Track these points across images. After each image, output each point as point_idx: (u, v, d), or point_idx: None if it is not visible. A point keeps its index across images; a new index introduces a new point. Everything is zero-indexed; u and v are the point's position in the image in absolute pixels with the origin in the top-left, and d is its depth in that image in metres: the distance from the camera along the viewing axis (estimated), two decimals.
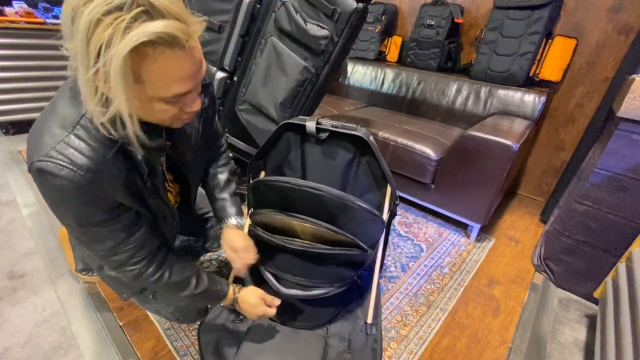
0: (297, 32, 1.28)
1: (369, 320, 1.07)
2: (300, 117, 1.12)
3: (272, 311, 0.91)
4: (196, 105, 0.60)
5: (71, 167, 0.53)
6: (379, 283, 1.23)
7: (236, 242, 0.92)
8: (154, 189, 0.71)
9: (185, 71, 0.51)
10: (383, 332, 1.11)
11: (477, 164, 1.49)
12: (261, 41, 1.39)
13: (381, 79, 2.42)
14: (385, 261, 1.43)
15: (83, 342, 0.98)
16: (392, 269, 1.41)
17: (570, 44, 1.82)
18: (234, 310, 1.06)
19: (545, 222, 1.87)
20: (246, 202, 1.25)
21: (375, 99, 2.48)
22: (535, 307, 1.28)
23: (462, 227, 1.76)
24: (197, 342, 0.99)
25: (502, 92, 1.93)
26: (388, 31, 2.51)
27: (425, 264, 1.45)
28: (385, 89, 2.41)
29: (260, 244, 1.04)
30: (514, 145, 1.38)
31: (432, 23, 2.16)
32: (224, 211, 0.98)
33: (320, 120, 1.09)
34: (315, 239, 0.99)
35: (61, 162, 0.52)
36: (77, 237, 0.65)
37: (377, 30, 2.46)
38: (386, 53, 2.58)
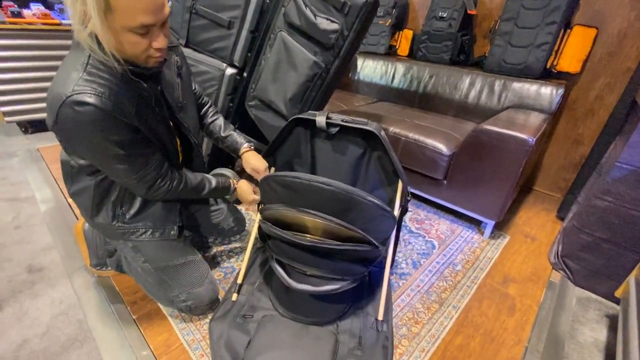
0: (307, 26, 1.27)
1: (380, 317, 1.05)
2: (310, 112, 1.12)
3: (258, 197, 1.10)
4: (161, 41, 0.69)
5: (96, 93, 0.64)
6: (389, 280, 1.21)
7: (258, 164, 1.11)
8: (163, 119, 0.84)
9: (149, 4, 0.61)
10: (394, 329, 1.09)
11: (492, 159, 1.45)
12: (270, 36, 1.38)
13: (392, 73, 2.39)
14: (396, 258, 1.41)
15: (98, 335, 1.00)
16: (403, 265, 1.39)
17: (590, 34, 1.75)
18: (244, 305, 1.07)
19: (562, 219, 1.81)
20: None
21: (386, 94, 2.45)
22: (553, 306, 1.24)
23: (476, 223, 1.72)
24: (208, 336, 1.00)
25: (517, 85, 1.88)
26: (399, 25, 2.47)
27: (437, 261, 1.43)
28: (395, 83, 2.37)
29: (271, 239, 1.04)
30: (530, 139, 1.34)
31: (445, 15, 2.11)
32: (236, 142, 1.14)
33: (331, 115, 1.08)
34: (326, 235, 0.98)
35: (88, 91, 0.63)
36: (112, 165, 0.74)
37: (387, 24, 2.42)
38: (397, 47, 2.54)
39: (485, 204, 1.54)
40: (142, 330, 1.01)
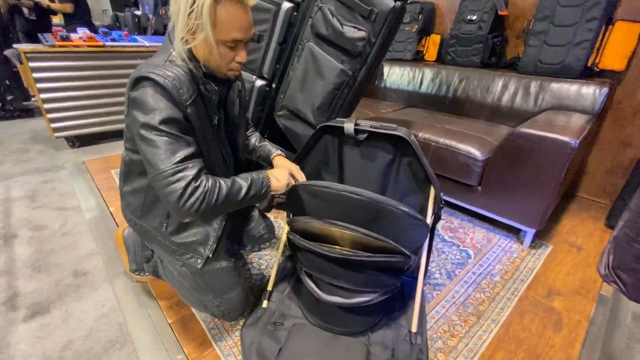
0: (334, 35, 1.29)
1: (414, 329, 1.01)
2: (337, 119, 1.12)
3: (300, 175, 1.03)
4: (243, 56, 0.81)
5: (163, 76, 0.74)
6: (423, 290, 1.17)
7: (289, 165, 1.08)
8: (217, 123, 0.88)
9: (242, 22, 0.75)
10: (429, 342, 1.04)
11: (530, 163, 1.38)
12: (298, 47, 1.41)
13: (419, 79, 2.35)
14: (429, 267, 1.36)
15: (136, 338, 1.04)
16: (437, 275, 1.33)
17: (634, 29, 1.63)
18: (274, 313, 1.07)
19: (612, 227, 1.67)
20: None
21: (414, 99, 2.41)
22: (605, 322, 1.14)
23: (514, 232, 1.63)
24: (240, 342, 1.00)
25: (555, 86, 1.78)
26: (426, 30, 2.44)
27: (473, 272, 1.36)
28: (424, 89, 2.33)
29: (299, 251, 1.04)
30: (573, 142, 1.26)
31: (474, 18, 2.06)
32: (269, 150, 1.15)
33: (359, 122, 1.08)
34: (355, 246, 0.96)
35: (158, 73, 0.74)
36: (160, 145, 0.74)
37: (414, 30, 2.40)
38: (424, 52, 2.50)
39: (525, 211, 1.45)
40: (176, 335, 1.04)
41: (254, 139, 1.19)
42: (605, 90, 1.64)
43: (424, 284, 1.27)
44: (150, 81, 0.73)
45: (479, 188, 1.58)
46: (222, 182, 0.82)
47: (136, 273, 1.22)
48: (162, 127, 0.73)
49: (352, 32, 1.26)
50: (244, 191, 0.85)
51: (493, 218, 1.60)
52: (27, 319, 1.11)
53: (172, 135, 0.74)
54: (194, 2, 0.69)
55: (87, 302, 1.18)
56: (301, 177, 1.04)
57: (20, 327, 1.08)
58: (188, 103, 0.77)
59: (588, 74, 1.77)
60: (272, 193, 0.95)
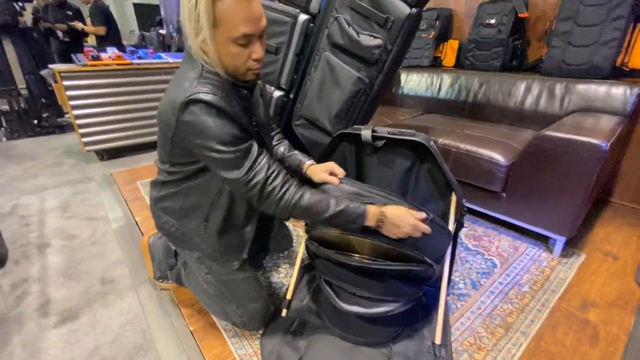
0: (350, 44, 1.30)
1: (437, 341, 0.98)
2: (355, 126, 1.12)
3: (424, 227, 0.84)
4: (259, 52, 0.75)
5: (211, 92, 0.71)
6: (446, 300, 1.13)
7: (325, 165, 1.01)
8: (258, 126, 0.89)
9: (247, 14, 0.68)
10: (454, 355, 1.00)
11: (558, 168, 1.32)
12: (315, 57, 1.43)
13: (438, 84, 2.33)
14: (452, 277, 1.32)
15: (160, 345, 1.06)
16: (461, 285, 1.29)
17: None
18: (293, 322, 1.06)
19: None
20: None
21: (432, 105, 2.38)
22: None
23: (542, 240, 1.56)
24: (259, 351, 1.00)
25: (582, 87, 1.71)
26: (443, 36, 2.42)
27: (499, 281, 1.31)
28: (442, 94, 2.30)
29: (318, 259, 1.03)
30: (604, 145, 1.20)
31: (493, 22, 2.03)
32: (300, 160, 1.08)
33: (376, 128, 1.07)
34: (374, 254, 0.95)
35: (203, 91, 0.71)
36: (226, 162, 0.76)
37: (431, 37, 2.39)
38: (442, 58, 2.48)
39: (554, 218, 1.39)
40: (198, 342, 1.05)
41: (282, 147, 1.13)
42: (636, 90, 1.56)
43: (448, 294, 1.23)
44: (202, 103, 0.71)
45: (504, 194, 1.52)
46: (307, 195, 0.80)
47: (160, 281, 1.25)
48: (223, 149, 0.74)
49: (368, 40, 1.26)
50: (329, 214, 0.80)
51: (519, 225, 1.53)
52: (57, 325, 1.15)
53: (235, 151, 0.75)
54: (191, 4, 0.66)
55: (114, 309, 1.22)
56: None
57: (51, 332, 1.12)
58: (239, 113, 0.77)
59: (617, 74, 1.70)
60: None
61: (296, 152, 1.12)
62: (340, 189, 0.95)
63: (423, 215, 0.85)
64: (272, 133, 1.15)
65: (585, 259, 1.43)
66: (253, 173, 0.77)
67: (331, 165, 1.01)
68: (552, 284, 1.29)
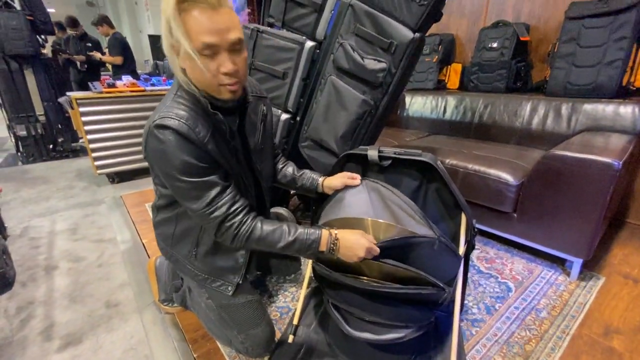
0: (355, 68, 1.33)
1: None
2: (361, 147, 1.12)
3: (377, 249, 0.82)
4: (228, 66, 0.70)
5: (175, 117, 0.72)
6: (460, 326, 1.08)
7: (341, 179, 1.01)
8: (235, 151, 0.85)
9: (211, 25, 0.66)
10: None
11: (570, 188, 1.29)
12: (321, 81, 1.47)
13: (442, 106, 2.35)
14: (465, 301, 1.27)
15: None
16: (475, 310, 1.23)
17: None
18: (300, 349, 1.02)
19: None
20: None
21: (438, 127, 2.39)
22: None
23: (558, 262, 1.50)
24: None
25: (589, 107, 1.71)
26: (446, 60, 2.48)
27: (515, 306, 1.25)
28: (448, 116, 2.32)
29: (325, 281, 1.01)
30: (616, 163, 1.18)
31: (495, 45, 2.07)
32: (311, 178, 1.08)
33: (382, 148, 1.07)
34: (383, 277, 0.92)
35: (170, 116, 0.72)
36: (183, 191, 0.76)
37: (434, 61, 2.44)
38: (446, 81, 2.52)
39: (569, 239, 1.34)
40: None
41: (291, 168, 1.13)
42: None
43: (461, 319, 1.18)
44: (166, 129, 0.70)
45: (515, 215, 1.49)
46: (259, 226, 0.80)
47: (165, 304, 1.23)
48: (184, 178, 0.73)
49: (372, 64, 1.30)
50: (282, 244, 0.81)
51: (533, 247, 1.48)
52: (60, 349, 1.13)
53: (194, 182, 0.74)
54: (164, 20, 0.67)
55: (117, 333, 1.19)
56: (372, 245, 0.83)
57: (53, 357, 1.10)
58: (206, 140, 0.74)
59: (624, 93, 1.70)
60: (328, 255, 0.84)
61: (306, 170, 1.12)
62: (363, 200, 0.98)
63: (374, 240, 0.84)
64: (277, 159, 1.15)
65: (605, 282, 1.37)
66: (213, 207, 0.77)
67: (345, 174, 1.03)
68: (572, 309, 1.23)
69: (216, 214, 0.77)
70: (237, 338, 0.97)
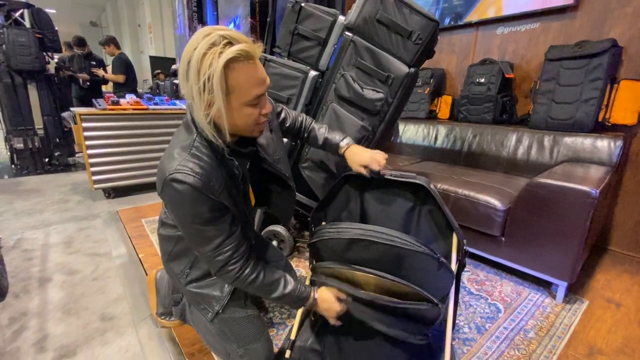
0: (355, 97, 1.44)
1: None
2: None
3: (344, 307, 0.95)
4: (268, 107, 0.79)
5: (192, 174, 0.74)
6: (452, 345, 1.12)
7: (362, 156, 1.05)
8: (244, 193, 0.90)
9: (258, 77, 0.73)
10: None
11: (553, 214, 1.38)
12: (323, 107, 1.57)
13: (434, 134, 2.48)
14: (457, 321, 1.31)
15: None
16: (466, 330, 1.27)
17: (639, 87, 1.73)
18: None
19: None
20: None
21: (429, 154, 2.51)
22: None
23: (545, 285, 1.56)
24: None
25: (569, 140, 1.84)
26: (437, 91, 2.64)
27: (504, 327, 1.29)
28: (439, 144, 2.44)
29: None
30: (594, 192, 1.28)
31: (482, 80, 2.24)
32: (332, 143, 1.12)
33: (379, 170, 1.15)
34: (379, 291, 0.97)
35: (185, 171, 0.74)
36: (192, 236, 0.82)
37: (426, 92, 2.60)
38: (437, 111, 2.67)
39: (553, 263, 1.42)
40: None
41: (313, 134, 1.15)
42: (619, 143, 1.69)
43: (453, 338, 1.21)
44: (181, 184, 0.73)
45: (503, 239, 1.56)
46: (258, 275, 0.88)
47: (162, 317, 1.23)
48: (195, 225, 0.79)
49: (371, 94, 1.40)
50: (276, 295, 0.91)
51: (520, 270, 1.55)
52: None
53: (204, 229, 0.79)
54: (203, 76, 0.67)
55: (112, 347, 1.19)
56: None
57: None
58: (220, 191, 0.78)
59: (600, 128, 1.84)
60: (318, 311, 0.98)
61: (326, 136, 1.14)
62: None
63: (344, 296, 0.96)
64: (302, 129, 1.18)
65: (589, 306, 1.43)
66: (218, 252, 0.82)
67: (369, 157, 1.05)
68: (558, 330, 1.28)
69: (220, 257, 0.83)
70: (237, 352, 0.98)
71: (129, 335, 1.24)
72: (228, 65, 0.67)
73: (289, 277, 0.94)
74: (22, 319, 1.31)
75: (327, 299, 0.95)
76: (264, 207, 1.22)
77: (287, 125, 1.16)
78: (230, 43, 0.68)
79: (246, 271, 0.86)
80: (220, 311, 0.97)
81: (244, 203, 0.91)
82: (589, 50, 1.79)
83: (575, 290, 1.53)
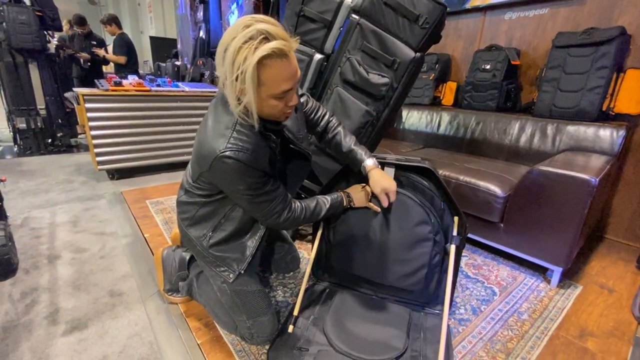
0: (360, 81, 1.44)
1: None
2: None
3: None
4: (295, 100, 0.84)
5: (242, 150, 0.81)
6: (448, 324, 1.16)
7: (388, 184, 1.08)
8: (277, 163, 0.98)
9: (288, 73, 0.77)
10: None
11: (552, 201, 1.40)
12: (327, 92, 1.57)
13: (437, 121, 2.48)
14: (453, 302, 1.35)
15: (167, 356, 1.08)
16: (462, 311, 1.32)
17: None
18: (299, 338, 1.09)
19: None
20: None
21: (432, 140, 2.51)
22: None
23: (540, 271, 1.60)
24: None
25: (572, 128, 1.85)
26: (442, 78, 2.62)
27: (499, 309, 1.34)
28: (442, 130, 2.45)
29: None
30: (593, 180, 1.30)
31: (488, 67, 2.22)
32: (356, 160, 1.13)
33: (383, 155, 1.17)
34: None
35: (236, 148, 0.81)
36: (247, 203, 0.91)
37: (431, 78, 2.58)
38: (441, 98, 2.66)
39: (550, 249, 1.45)
40: (205, 355, 1.07)
41: (338, 139, 1.15)
42: (622, 132, 1.69)
43: (449, 319, 1.26)
44: (233, 160, 0.80)
45: (502, 225, 1.59)
46: (306, 207, 1.02)
47: (169, 293, 1.28)
48: (249, 192, 0.87)
49: (376, 78, 1.40)
50: (323, 212, 1.06)
51: (517, 256, 1.59)
52: (66, 333, 1.17)
53: (258, 195, 0.89)
54: (238, 68, 0.71)
55: (122, 320, 1.24)
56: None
57: (59, 340, 1.14)
58: (265, 164, 0.88)
59: (604, 117, 1.84)
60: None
61: (353, 148, 1.14)
62: None
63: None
64: (324, 126, 1.18)
65: (582, 291, 1.48)
66: (270, 213, 0.94)
67: (387, 186, 1.07)
68: (551, 313, 1.32)
69: (274, 216, 0.95)
70: (245, 323, 1.03)
71: (138, 310, 1.29)
72: (261, 61, 0.71)
73: (321, 198, 1.07)
74: (33, 294, 1.36)
75: (359, 197, 1.13)
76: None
77: (306, 110, 1.16)
78: (266, 39, 0.71)
79: (296, 214, 0.99)
80: (242, 272, 1.03)
81: (278, 169, 0.99)
82: (597, 37, 1.76)
83: (569, 276, 1.57)
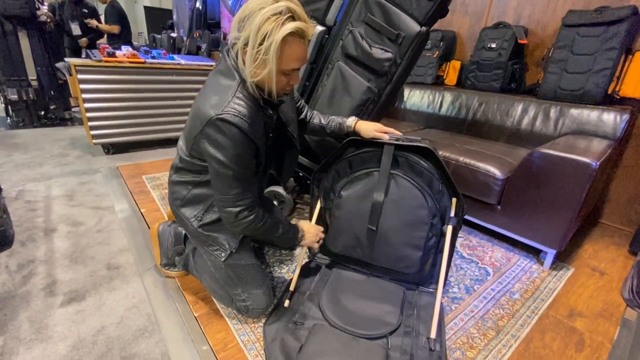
0: (363, 56, 1.39)
1: (432, 335, 1.03)
2: None
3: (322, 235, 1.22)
4: (296, 79, 0.88)
5: (239, 115, 0.81)
6: (441, 302, 1.18)
7: (373, 125, 1.17)
8: (269, 141, 0.99)
9: (302, 54, 0.82)
10: (447, 352, 1.05)
11: (551, 184, 1.40)
12: (328, 66, 1.52)
13: (439, 101, 2.43)
14: (447, 281, 1.37)
15: (164, 328, 1.09)
16: (456, 289, 1.34)
17: None
18: (295, 313, 1.11)
19: (635, 254, 1.64)
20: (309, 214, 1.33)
21: (433, 121, 2.48)
22: (629, 346, 1.11)
23: (534, 253, 1.62)
24: (262, 338, 1.04)
25: (575, 111, 1.82)
26: (446, 56, 2.55)
27: (492, 288, 1.36)
28: (443, 111, 2.40)
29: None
30: (594, 164, 1.28)
31: (494, 46, 2.15)
32: (339, 123, 1.23)
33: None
34: None
35: (234, 112, 0.81)
36: (224, 177, 0.87)
37: (435, 56, 2.51)
38: (444, 77, 2.60)
39: (545, 231, 1.46)
40: (202, 327, 1.08)
41: (317, 119, 1.26)
42: (626, 116, 1.67)
43: (443, 297, 1.28)
44: (229, 124, 0.80)
45: (499, 207, 1.60)
46: (265, 220, 0.98)
47: (166, 268, 1.29)
48: (231, 165, 0.84)
49: (379, 53, 1.35)
50: (278, 233, 1.04)
51: (512, 238, 1.60)
52: (64, 304, 1.18)
53: (237, 171, 0.85)
54: (263, 40, 0.74)
55: (119, 293, 1.25)
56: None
57: (57, 311, 1.15)
58: (260, 136, 0.87)
59: (609, 101, 1.81)
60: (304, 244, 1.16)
61: (332, 117, 1.25)
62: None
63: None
64: (304, 115, 1.27)
65: (574, 273, 1.50)
66: (241, 197, 0.90)
67: (379, 126, 1.16)
68: (542, 293, 1.35)
69: (240, 203, 0.91)
70: (240, 296, 1.04)
71: (135, 283, 1.30)
72: (286, 38, 0.75)
73: (283, 220, 1.07)
74: (30, 266, 1.36)
75: (309, 228, 1.16)
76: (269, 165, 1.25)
77: (295, 98, 1.22)
78: (292, 17, 0.76)
79: (258, 217, 0.95)
80: (234, 251, 1.03)
81: (266, 154, 0.98)
82: (609, 17, 1.70)
83: (562, 259, 1.59)
